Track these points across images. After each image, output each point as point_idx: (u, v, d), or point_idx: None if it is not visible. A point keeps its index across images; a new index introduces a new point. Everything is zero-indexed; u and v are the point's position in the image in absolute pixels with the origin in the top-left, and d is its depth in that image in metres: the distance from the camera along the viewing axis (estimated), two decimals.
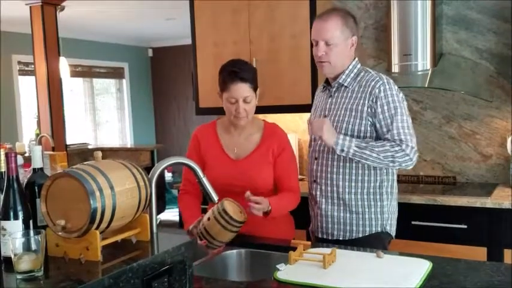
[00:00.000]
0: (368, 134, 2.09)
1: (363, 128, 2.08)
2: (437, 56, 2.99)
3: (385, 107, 2.05)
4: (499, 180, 3.05)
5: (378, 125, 2.07)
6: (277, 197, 2.14)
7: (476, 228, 2.62)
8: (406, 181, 3.21)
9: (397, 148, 2.01)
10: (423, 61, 2.93)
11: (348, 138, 2.03)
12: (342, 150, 2.02)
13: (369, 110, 2.07)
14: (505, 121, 3.03)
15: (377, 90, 2.07)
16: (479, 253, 2.56)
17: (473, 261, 1.77)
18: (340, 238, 2.16)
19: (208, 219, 1.90)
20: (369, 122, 2.08)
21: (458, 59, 3.09)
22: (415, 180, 3.22)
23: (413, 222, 2.71)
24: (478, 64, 3.06)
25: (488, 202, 2.59)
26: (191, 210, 2.19)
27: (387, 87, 2.07)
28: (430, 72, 2.93)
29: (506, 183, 2.96)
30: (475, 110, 3.10)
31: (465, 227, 2.63)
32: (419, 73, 2.95)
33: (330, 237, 2.19)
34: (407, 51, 2.95)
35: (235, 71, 2.08)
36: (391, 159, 2.00)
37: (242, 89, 2.08)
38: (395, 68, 3.01)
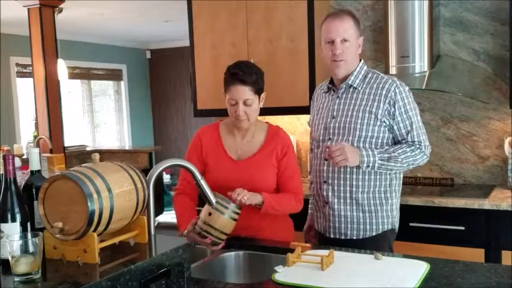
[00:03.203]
0: (381, 134, 2.13)
1: (376, 128, 2.12)
2: (434, 58, 2.99)
3: (403, 110, 2.11)
4: (497, 181, 3.05)
5: (395, 127, 2.12)
6: (273, 194, 2.13)
7: (474, 230, 2.62)
8: (404, 183, 3.16)
9: (417, 151, 2.11)
10: (420, 63, 2.94)
11: (370, 152, 2.07)
12: (368, 166, 2.07)
13: (386, 112, 2.11)
14: (503, 123, 3.03)
15: (393, 94, 2.11)
16: (477, 255, 2.56)
17: (471, 263, 1.77)
18: (354, 237, 2.17)
19: (210, 214, 1.90)
20: (384, 124, 2.12)
21: (456, 60, 3.10)
22: (413, 182, 3.22)
23: (411, 224, 2.71)
24: (475, 66, 3.07)
25: (486, 204, 2.59)
26: (187, 214, 2.15)
27: (402, 89, 2.13)
28: (427, 74, 2.94)
29: (504, 185, 2.97)
30: (472, 112, 3.10)
31: (463, 228, 2.64)
32: (417, 75, 2.95)
33: (342, 237, 2.19)
34: (405, 53, 2.96)
35: (236, 73, 2.08)
36: (412, 163, 2.12)
37: (242, 91, 2.07)
38: (392, 70, 3.01)
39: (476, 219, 2.62)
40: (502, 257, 2.56)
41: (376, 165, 2.06)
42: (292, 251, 1.80)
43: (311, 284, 1.58)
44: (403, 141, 2.13)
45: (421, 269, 1.67)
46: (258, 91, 2.12)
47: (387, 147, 2.12)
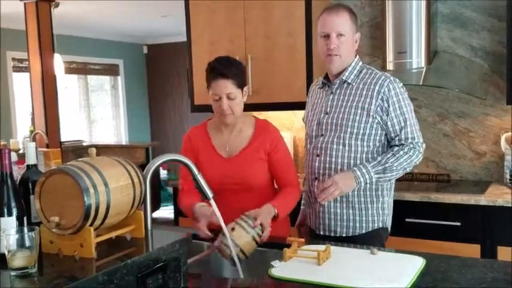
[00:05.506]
0: (373, 131, 2.11)
1: (368, 125, 2.10)
2: (431, 54, 2.99)
3: (397, 105, 2.09)
4: (493, 177, 3.06)
5: (389, 123, 2.10)
6: (279, 198, 2.13)
7: (470, 226, 2.63)
8: (400, 178, 3.17)
9: (411, 152, 2.08)
10: (418, 59, 2.94)
11: (364, 170, 2.04)
12: (366, 183, 2.05)
13: (378, 108, 2.09)
14: (499, 119, 3.04)
15: (386, 89, 2.09)
16: (472, 250, 2.57)
17: (466, 258, 1.78)
18: (343, 235, 2.16)
19: (233, 229, 1.86)
20: (376, 120, 2.10)
21: (453, 56, 3.10)
22: (409, 178, 3.22)
23: (407, 220, 2.72)
24: (472, 62, 3.07)
25: (482, 199, 2.60)
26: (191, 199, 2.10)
27: (395, 85, 2.11)
28: (424, 70, 2.94)
29: (500, 181, 2.98)
30: (469, 108, 3.11)
31: (459, 224, 2.64)
32: (414, 71, 2.95)
33: (332, 234, 2.18)
34: (402, 49, 2.96)
35: (216, 67, 2.09)
36: (407, 166, 2.09)
37: (224, 85, 2.07)
38: (390, 66, 3.01)
39: (473, 215, 2.62)
40: (497, 252, 2.57)
41: (374, 180, 2.05)
42: (288, 246, 1.80)
43: (308, 278, 1.58)
44: (396, 138, 2.11)
45: (417, 264, 1.67)
46: (240, 84, 2.12)
47: (379, 158, 2.09)
